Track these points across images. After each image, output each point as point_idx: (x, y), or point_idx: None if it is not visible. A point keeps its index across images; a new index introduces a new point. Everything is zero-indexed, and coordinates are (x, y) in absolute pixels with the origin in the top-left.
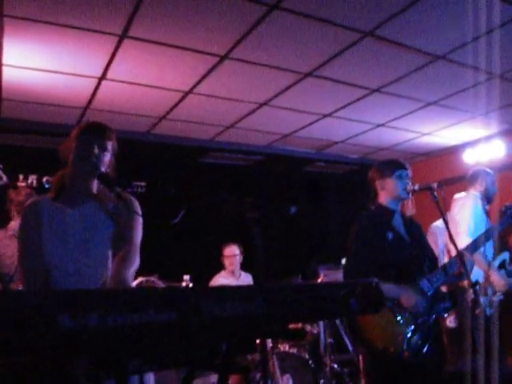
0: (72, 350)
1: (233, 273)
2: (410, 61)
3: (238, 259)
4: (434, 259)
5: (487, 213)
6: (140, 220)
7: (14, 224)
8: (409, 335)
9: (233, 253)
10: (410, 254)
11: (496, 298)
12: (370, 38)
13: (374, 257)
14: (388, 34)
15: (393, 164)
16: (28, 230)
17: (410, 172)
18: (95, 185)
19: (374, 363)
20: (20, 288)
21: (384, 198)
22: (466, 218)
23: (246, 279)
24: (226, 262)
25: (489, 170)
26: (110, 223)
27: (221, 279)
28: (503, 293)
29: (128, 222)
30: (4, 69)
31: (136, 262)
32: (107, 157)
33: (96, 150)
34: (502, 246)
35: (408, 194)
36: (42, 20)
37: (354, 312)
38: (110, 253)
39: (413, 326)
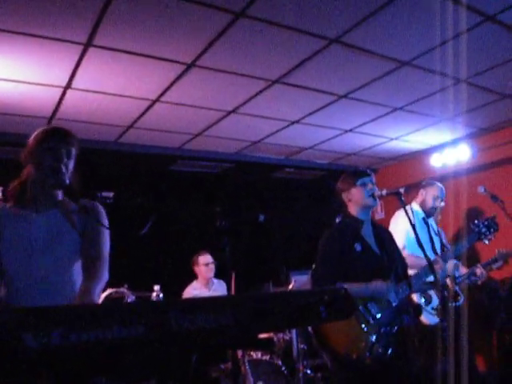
0: (35, 369)
1: (206, 282)
2: (377, 67)
3: (213, 267)
4: (403, 269)
5: (427, 223)
6: (107, 232)
7: None
8: (371, 343)
9: (208, 261)
10: (377, 265)
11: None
12: (336, 45)
13: (341, 268)
14: (354, 40)
15: (354, 174)
16: None
17: (373, 178)
18: (60, 193)
19: (337, 369)
20: None
21: (353, 209)
22: (399, 232)
23: (220, 287)
24: (202, 270)
25: (436, 184)
26: (75, 233)
27: (193, 291)
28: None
29: (94, 235)
30: None
31: (104, 277)
32: (71, 164)
33: (64, 159)
34: (470, 263)
35: (375, 199)
36: (4, 29)
37: (323, 319)
38: (77, 262)
39: (376, 335)
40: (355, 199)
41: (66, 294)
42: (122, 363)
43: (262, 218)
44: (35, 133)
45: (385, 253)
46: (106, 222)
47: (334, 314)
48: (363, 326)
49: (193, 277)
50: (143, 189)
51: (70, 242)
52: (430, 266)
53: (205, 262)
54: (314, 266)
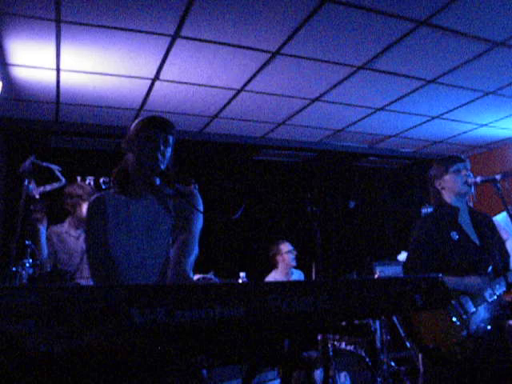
0: (141, 344)
1: (287, 272)
2: (468, 49)
3: (294, 255)
4: (504, 262)
5: None
6: (200, 216)
7: (70, 220)
8: (463, 338)
9: (290, 248)
10: (475, 255)
11: None
12: (424, 27)
13: (436, 258)
14: (444, 21)
15: (447, 160)
16: (94, 223)
17: (467, 164)
18: (157, 180)
19: (426, 361)
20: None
21: (447, 196)
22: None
23: (298, 276)
24: (285, 258)
25: None
26: (169, 218)
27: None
28: None
29: (188, 217)
30: (62, 74)
31: (195, 250)
32: (169, 152)
33: (161, 147)
34: None
35: (470, 186)
36: (96, 24)
37: (418, 308)
38: (169, 244)
39: (468, 331)
40: (448, 186)
41: (163, 277)
42: (220, 343)
43: (352, 204)
44: (135, 122)
45: (484, 243)
46: (201, 207)
47: (430, 302)
48: (455, 319)
49: (274, 266)
50: (228, 178)
51: (166, 226)
52: None
53: (287, 250)
54: (400, 254)
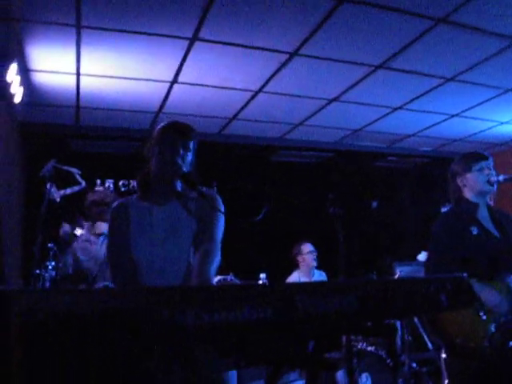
0: (171, 346)
1: (309, 272)
2: (487, 45)
3: (316, 256)
4: None
5: None
6: (222, 218)
7: (89, 226)
8: (491, 332)
9: (311, 249)
10: (497, 248)
11: None
12: (443, 25)
13: (456, 253)
14: (463, 18)
15: (471, 157)
16: (117, 228)
17: (491, 162)
18: (179, 184)
19: (453, 358)
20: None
21: (468, 194)
22: None
23: (321, 278)
24: (306, 258)
25: None
26: (192, 221)
27: (295, 281)
28: None
29: (210, 220)
30: (82, 78)
31: (217, 258)
32: (190, 156)
33: (181, 151)
34: None
35: (492, 185)
36: (115, 29)
37: (444, 308)
38: (191, 249)
39: (496, 324)
40: (470, 185)
41: (184, 282)
42: (247, 345)
43: (374, 204)
44: (156, 128)
45: (505, 237)
46: (222, 207)
47: (456, 302)
48: (481, 314)
49: (295, 267)
50: (246, 179)
51: (189, 231)
52: None
53: (309, 250)
54: (420, 254)
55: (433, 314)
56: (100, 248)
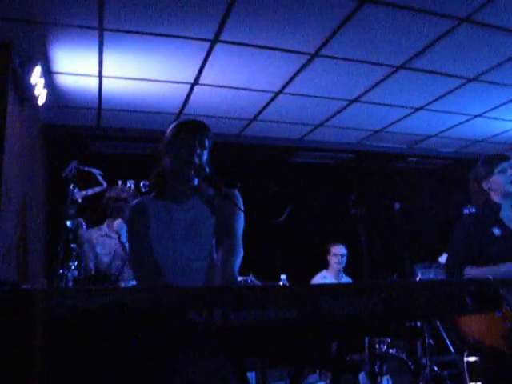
0: (199, 345)
1: (336, 273)
2: (510, 45)
3: (345, 259)
4: None
5: None
6: (242, 215)
7: (109, 222)
8: (506, 329)
9: (342, 252)
10: None
11: None
12: (466, 24)
13: (476, 254)
14: (486, 18)
15: (492, 160)
16: (137, 228)
17: None
18: (196, 182)
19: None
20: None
21: (494, 197)
22: None
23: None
24: (332, 260)
25: None
26: (212, 218)
27: (322, 280)
28: None
29: (231, 215)
30: (104, 80)
31: (241, 253)
32: (206, 155)
33: (197, 150)
34: None
35: None
36: (137, 31)
37: (469, 311)
38: (213, 246)
39: (510, 322)
40: (495, 187)
41: (207, 279)
42: (272, 345)
43: (397, 206)
44: (171, 126)
45: None
46: (242, 206)
47: (481, 305)
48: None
49: (319, 267)
50: (267, 180)
51: (209, 228)
52: None
53: (335, 252)
54: (440, 256)
55: (459, 317)
56: (118, 243)
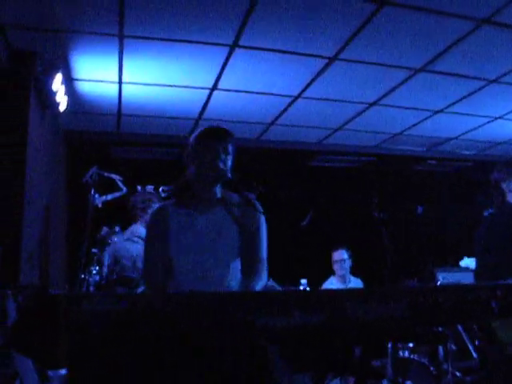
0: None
1: (342, 279)
2: None
3: (347, 264)
4: None
5: None
6: (265, 226)
7: (134, 227)
8: None
9: (341, 257)
10: None
11: None
12: (486, 26)
13: (503, 256)
14: (507, 19)
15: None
16: (155, 233)
17: None
18: (219, 189)
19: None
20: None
21: (509, 198)
22: None
23: (356, 285)
24: (336, 267)
25: None
26: (235, 227)
27: (329, 286)
28: None
29: (254, 230)
30: (123, 86)
31: (264, 278)
32: (230, 160)
33: (222, 156)
34: None
35: None
36: (156, 37)
37: (495, 315)
38: (237, 258)
39: None
40: None
41: (226, 288)
42: (300, 350)
43: (420, 209)
44: (193, 135)
45: None
46: (263, 216)
47: (507, 310)
48: None
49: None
50: (285, 184)
51: (231, 237)
52: None
53: (335, 259)
54: (461, 262)
55: (484, 321)
56: (140, 248)
